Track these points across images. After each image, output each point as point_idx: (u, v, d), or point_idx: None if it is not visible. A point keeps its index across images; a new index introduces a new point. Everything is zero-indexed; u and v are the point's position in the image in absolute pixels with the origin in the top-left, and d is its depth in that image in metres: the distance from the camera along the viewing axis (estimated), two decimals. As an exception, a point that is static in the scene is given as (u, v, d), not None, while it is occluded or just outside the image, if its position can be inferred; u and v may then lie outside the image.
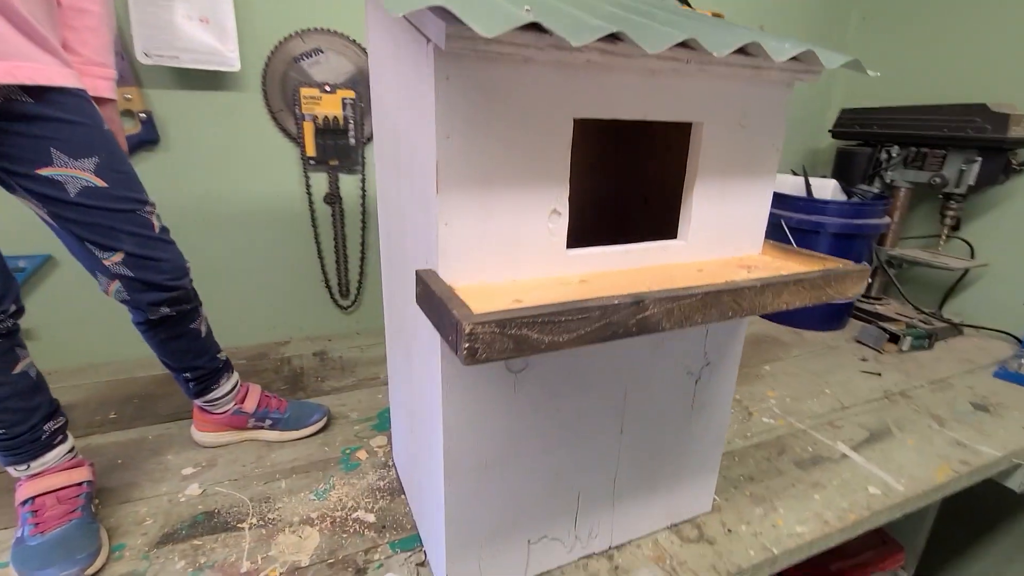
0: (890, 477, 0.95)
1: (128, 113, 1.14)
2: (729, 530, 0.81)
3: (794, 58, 0.55)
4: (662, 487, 0.77)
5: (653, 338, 0.66)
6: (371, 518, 0.81)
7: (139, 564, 0.72)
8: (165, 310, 0.78)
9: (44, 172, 0.64)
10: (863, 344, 1.52)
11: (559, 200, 0.54)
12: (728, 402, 0.77)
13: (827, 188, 1.54)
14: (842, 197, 1.55)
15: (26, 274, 1.16)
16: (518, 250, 0.53)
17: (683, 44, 0.47)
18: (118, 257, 0.71)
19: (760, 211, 0.67)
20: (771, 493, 0.89)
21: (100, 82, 0.71)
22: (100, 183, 0.68)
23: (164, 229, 0.77)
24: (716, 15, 1.62)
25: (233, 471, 0.91)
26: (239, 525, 0.79)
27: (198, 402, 0.94)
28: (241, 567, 0.72)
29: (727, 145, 0.61)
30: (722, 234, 0.65)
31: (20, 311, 0.69)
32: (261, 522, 0.80)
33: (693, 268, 0.61)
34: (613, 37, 0.44)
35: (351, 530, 0.79)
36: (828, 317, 1.62)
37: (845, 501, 0.88)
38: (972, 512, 1.58)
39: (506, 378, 0.59)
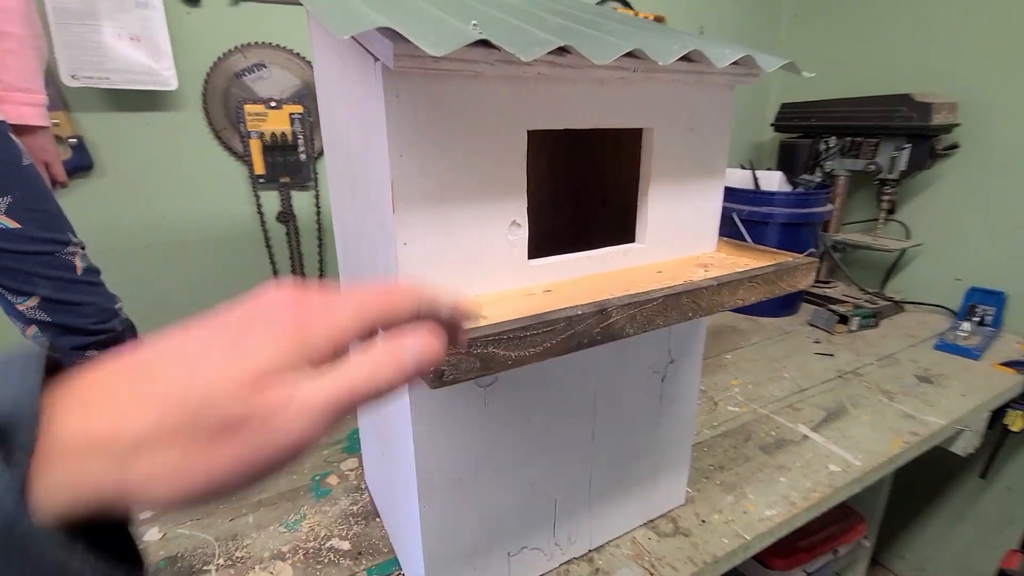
0: (848, 454, 0.99)
1: (57, 139, 1.07)
2: (703, 520, 0.83)
3: (735, 63, 0.58)
4: (636, 486, 0.78)
5: (619, 343, 0.67)
6: (346, 545, 0.79)
7: (98, 620, 0.67)
8: (93, 353, 0.73)
9: None
10: (816, 327, 1.59)
11: (518, 212, 0.54)
12: (694, 395, 0.79)
13: (773, 180, 1.60)
14: (787, 188, 1.62)
15: None
16: (480, 265, 0.53)
17: (630, 54, 0.48)
18: (32, 302, 0.66)
19: (713, 209, 0.69)
20: (740, 480, 0.92)
21: (25, 109, 0.66)
22: (12, 224, 0.63)
23: (90, 270, 0.72)
24: (659, 19, 1.66)
25: (195, 511, 0.87)
26: (204, 568, 0.76)
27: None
28: (211, 611, 0.68)
29: (677, 149, 0.62)
30: (678, 235, 0.66)
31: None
32: (228, 562, 0.77)
33: (653, 270, 0.62)
34: (562, 50, 0.44)
35: (325, 560, 0.76)
36: (782, 303, 1.68)
37: (809, 481, 0.92)
38: (923, 478, 1.68)
39: (475, 393, 0.58)
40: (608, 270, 0.61)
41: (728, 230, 1.67)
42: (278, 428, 0.17)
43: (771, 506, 0.86)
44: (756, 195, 1.60)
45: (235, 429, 0.17)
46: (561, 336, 0.44)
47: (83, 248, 0.72)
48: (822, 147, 1.71)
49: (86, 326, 0.71)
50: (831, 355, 1.41)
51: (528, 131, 0.52)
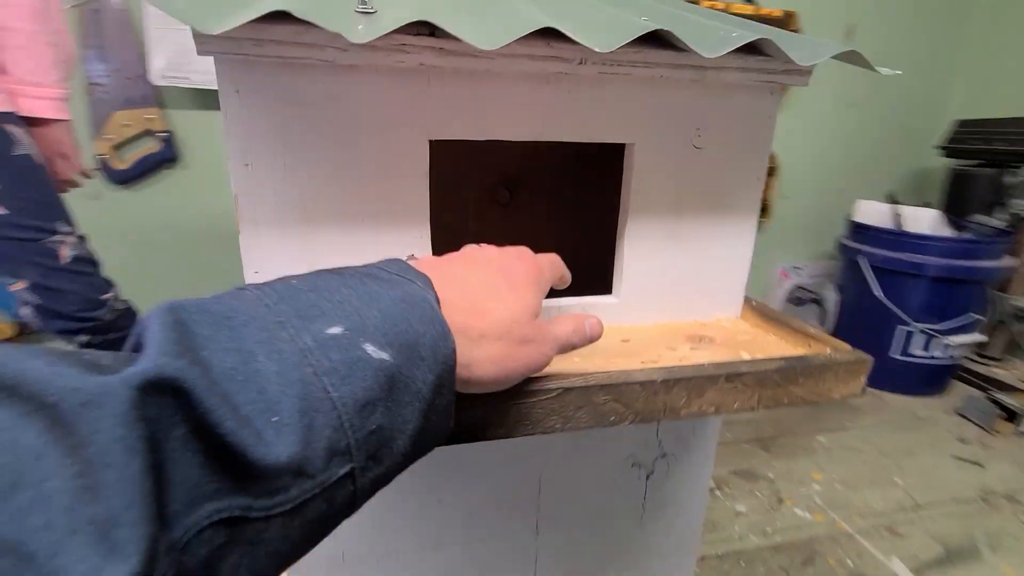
0: (962, 624, 0.69)
1: (148, 133, 1.19)
2: (701, 669, 0.62)
3: (761, 53, 0.39)
4: (608, 601, 0.61)
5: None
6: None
7: None
8: (83, 338, 0.76)
9: None
10: (966, 419, 1.19)
11: (419, 244, 0.42)
12: (700, 501, 0.59)
13: (924, 219, 1.23)
14: (947, 231, 1.24)
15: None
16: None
17: (558, 35, 0.34)
18: (21, 285, 0.70)
19: (735, 261, 0.49)
20: (777, 622, 0.69)
21: (37, 102, 0.70)
22: (0, 210, 0.66)
23: (79, 259, 0.74)
24: (787, 15, 1.39)
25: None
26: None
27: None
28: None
29: (674, 172, 0.45)
30: (671, 291, 0.49)
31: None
32: None
33: (618, 338, 0.46)
34: (435, 30, 0.32)
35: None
36: (924, 377, 1.30)
37: (883, 652, 0.65)
38: None
39: (363, 458, 0.47)
40: (555, 329, 0.46)
41: (852, 279, 1.34)
42: (543, 347, 0.28)
43: (810, 675, 0.62)
44: (899, 237, 1.24)
45: (526, 342, 0.27)
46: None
47: (80, 238, 0.75)
48: (1009, 180, 1.28)
49: (72, 313, 0.74)
50: (979, 464, 1.03)
51: (431, 141, 0.40)
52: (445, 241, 0.74)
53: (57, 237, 0.71)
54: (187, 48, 1.10)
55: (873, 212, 1.32)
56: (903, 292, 1.26)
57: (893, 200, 1.28)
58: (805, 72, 0.41)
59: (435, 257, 0.29)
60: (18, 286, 0.69)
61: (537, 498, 0.53)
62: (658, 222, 0.46)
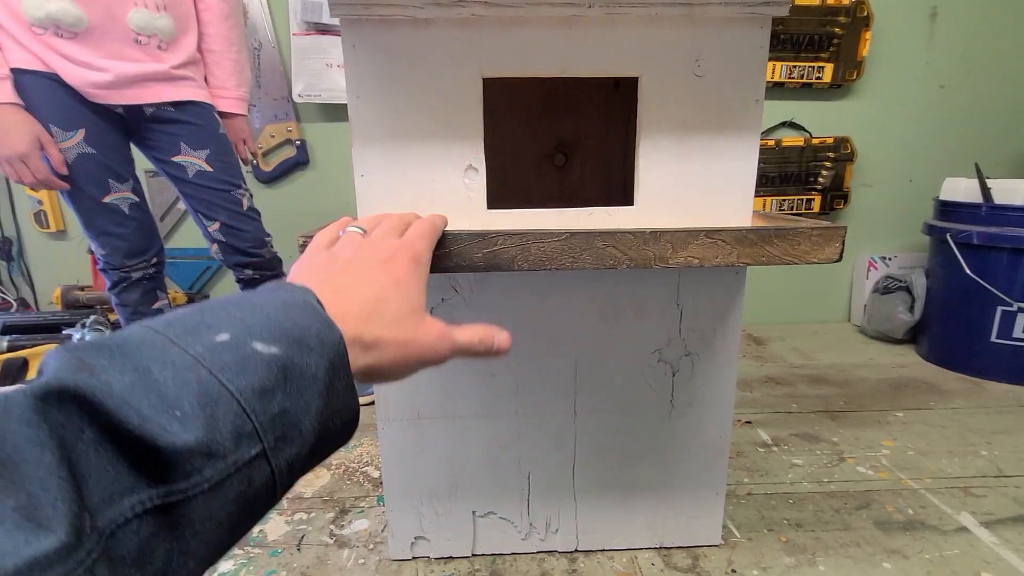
0: (1031, 570, 0.66)
1: (288, 142, 1.49)
2: (733, 571, 0.66)
3: None
4: (643, 497, 0.68)
5: (599, 306, 0.61)
6: (376, 474, 0.89)
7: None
8: (249, 272, 1.01)
9: (176, 159, 0.92)
10: (1084, 407, 1.08)
11: (474, 156, 0.56)
12: (726, 408, 0.65)
13: (1017, 192, 1.16)
14: (1048, 203, 1.15)
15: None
16: (434, 204, 0.57)
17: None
18: (215, 225, 0.96)
19: (741, 174, 0.58)
20: (818, 546, 0.71)
21: (222, 100, 0.98)
22: (208, 168, 0.93)
23: (252, 209, 1.01)
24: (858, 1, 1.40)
25: (308, 471, 1.09)
26: (280, 458, 0.94)
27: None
28: (263, 487, 0.86)
29: (680, 99, 0.55)
30: (687, 200, 0.58)
31: (161, 263, 0.97)
32: (296, 459, 0.94)
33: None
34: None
35: (355, 479, 0.87)
36: (1036, 366, 1.19)
37: (931, 580, 0.65)
38: None
39: (433, 331, 0.61)
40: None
41: (944, 259, 1.27)
42: (435, 342, 0.31)
43: (846, 588, 0.64)
44: (991, 211, 1.18)
45: (414, 341, 0.30)
46: (439, 251, 0.45)
47: (250, 194, 1.02)
48: None
49: (246, 248, 1.02)
50: (1090, 446, 0.94)
51: (486, 78, 0.54)
52: (510, 195, 0.93)
53: (240, 191, 0.98)
54: (320, 72, 1.38)
55: (961, 189, 1.26)
56: (999, 270, 1.18)
57: (980, 172, 1.21)
58: (783, 3, 0.50)
59: (315, 264, 0.33)
60: (214, 226, 0.96)
61: (574, 381, 0.63)
62: (667, 141, 0.56)
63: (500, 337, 0.35)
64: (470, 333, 0.34)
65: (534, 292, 0.61)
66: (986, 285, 1.18)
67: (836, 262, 0.47)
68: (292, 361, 0.22)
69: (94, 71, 0.83)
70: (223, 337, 0.22)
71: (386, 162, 0.56)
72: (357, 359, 0.27)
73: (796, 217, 0.53)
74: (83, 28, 0.81)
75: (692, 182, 0.57)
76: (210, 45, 0.95)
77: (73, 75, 0.82)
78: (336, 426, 0.25)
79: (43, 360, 0.19)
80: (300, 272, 0.32)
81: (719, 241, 0.46)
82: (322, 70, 1.43)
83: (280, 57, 1.43)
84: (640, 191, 0.57)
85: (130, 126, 0.91)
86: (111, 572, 0.16)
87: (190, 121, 0.92)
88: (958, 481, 0.84)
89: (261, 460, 0.21)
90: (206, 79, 0.97)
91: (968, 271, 1.20)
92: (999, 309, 1.19)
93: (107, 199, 0.88)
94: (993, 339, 1.21)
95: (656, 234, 0.46)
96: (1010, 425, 1.02)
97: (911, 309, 1.39)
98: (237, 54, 0.98)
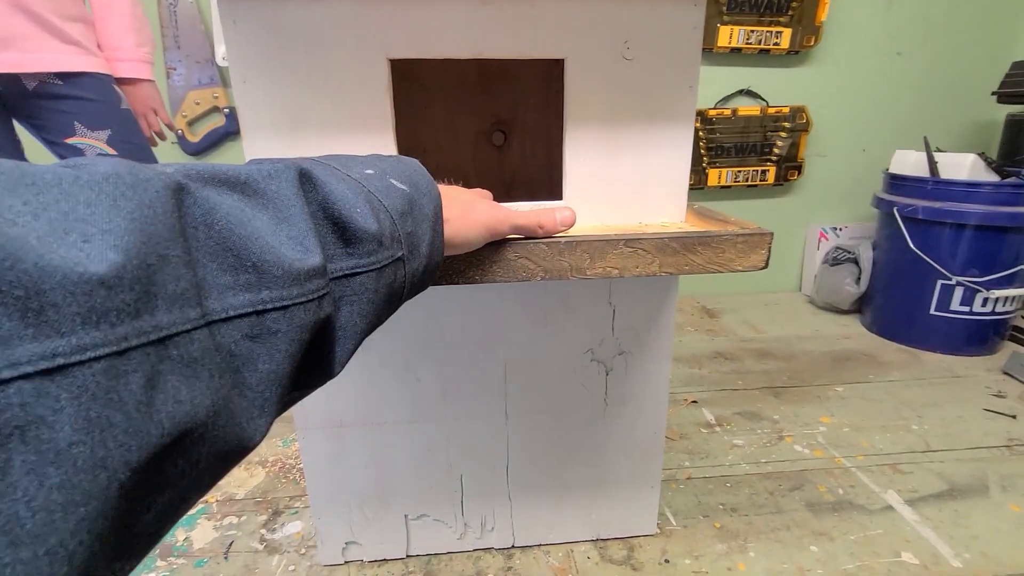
0: (947, 547, 0.69)
1: (216, 109, 1.37)
2: (666, 560, 0.67)
3: None
4: (577, 492, 0.67)
5: (530, 309, 0.58)
6: (313, 471, 0.86)
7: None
8: None
9: (70, 141, 0.81)
10: (1011, 376, 1.13)
11: (384, 150, 0.51)
12: (660, 403, 0.64)
13: (963, 166, 1.17)
14: (990, 177, 1.16)
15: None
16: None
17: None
18: None
19: (673, 167, 0.54)
20: (750, 531, 0.72)
21: (121, 64, 0.86)
22: (111, 152, 0.83)
23: None
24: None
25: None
26: (213, 456, 0.90)
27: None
28: (193, 489, 0.82)
29: (608, 85, 0.51)
30: (617, 196, 0.54)
31: None
32: (230, 457, 0.90)
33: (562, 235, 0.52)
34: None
35: (291, 477, 0.84)
36: (969, 337, 1.23)
37: (854, 562, 0.67)
38: None
39: (350, 337, 0.57)
40: (506, 226, 0.53)
41: (891, 232, 1.29)
42: (500, 226, 0.39)
43: (773, 573, 0.65)
44: (936, 186, 1.18)
45: (482, 222, 0.38)
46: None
47: None
48: (1071, 122, 1.18)
49: None
50: (1012, 416, 0.98)
51: (392, 60, 0.48)
52: (447, 178, 0.86)
53: None
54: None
55: (910, 162, 1.26)
56: (942, 244, 1.20)
57: (928, 146, 1.21)
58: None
59: None
60: None
61: (504, 384, 0.61)
62: (595, 131, 0.52)
63: (563, 211, 0.43)
64: (529, 213, 0.42)
65: (459, 294, 0.57)
66: (928, 259, 1.20)
67: (761, 270, 0.45)
68: (414, 198, 0.30)
69: None
70: (370, 171, 0.29)
71: (283, 156, 0.50)
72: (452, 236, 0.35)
73: (723, 219, 0.50)
74: None
75: (622, 176, 0.53)
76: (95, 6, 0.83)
77: None
78: (434, 262, 0.32)
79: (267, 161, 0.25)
80: None
81: (639, 250, 0.43)
82: (250, 29, 1.30)
83: (199, 14, 1.29)
84: (568, 186, 0.53)
85: (8, 103, 0.80)
86: (331, 307, 0.24)
87: (83, 96, 0.81)
88: (888, 458, 0.87)
89: (400, 263, 0.28)
90: (98, 43, 0.85)
91: (912, 246, 1.21)
92: (939, 283, 1.21)
93: None
94: (932, 311, 1.24)
95: (572, 244, 0.42)
96: (940, 397, 1.06)
97: (858, 281, 1.41)
98: (132, 6, 0.86)
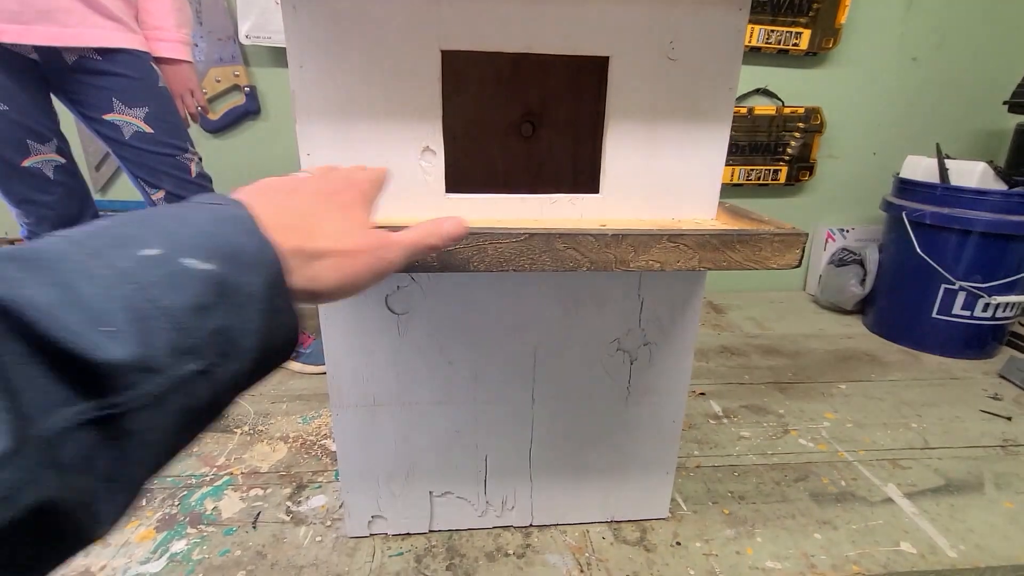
0: (943, 538, 0.72)
1: (236, 88, 1.37)
2: (678, 543, 0.70)
3: None
4: (595, 476, 0.70)
5: (561, 298, 0.60)
6: (333, 447, 0.88)
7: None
8: None
9: (108, 117, 0.82)
10: (1006, 380, 1.16)
11: (431, 137, 0.52)
12: (680, 394, 0.67)
13: (973, 173, 1.19)
14: (999, 186, 1.19)
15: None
16: (387, 187, 0.53)
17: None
18: (160, 194, 0.88)
19: (708, 166, 0.56)
20: (757, 517, 0.75)
21: (161, 44, 0.87)
22: (148, 129, 0.84)
23: (202, 176, 0.93)
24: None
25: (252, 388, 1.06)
26: (235, 430, 0.93)
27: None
28: (217, 460, 0.84)
29: (651, 83, 0.52)
30: (653, 191, 0.56)
31: None
32: (251, 431, 0.92)
33: (597, 225, 0.54)
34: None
35: (313, 453, 0.87)
36: (969, 341, 1.26)
37: (856, 550, 0.70)
38: None
39: (388, 319, 0.59)
40: (547, 217, 0.55)
41: (898, 236, 1.31)
42: (384, 252, 0.30)
43: (779, 558, 0.68)
44: (945, 192, 1.21)
45: (362, 251, 0.29)
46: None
47: (199, 158, 0.93)
48: (1080, 134, 1.20)
49: None
50: (1007, 418, 1.02)
51: (444, 51, 0.50)
52: (474, 168, 0.88)
53: (188, 155, 0.89)
54: (269, 11, 1.26)
55: (921, 168, 1.28)
56: (947, 250, 1.22)
57: (940, 153, 1.23)
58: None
59: (259, 187, 0.30)
60: (158, 195, 0.88)
61: (533, 370, 0.63)
62: (636, 128, 0.54)
63: (449, 223, 0.34)
64: (415, 231, 0.33)
65: (494, 281, 0.59)
66: (933, 264, 1.23)
67: (795, 268, 0.47)
68: (228, 278, 0.22)
69: None
70: (151, 251, 0.21)
71: (334, 140, 0.51)
72: (299, 270, 0.26)
73: (758, 218, 0.52)
74: None
75: (659, 172, 0.55)
76: None
77: None
78: (278, 343, 0.25)
79: None
80: (238, 193, 0.29)
81: (681, 245, 0.45)
82: (271, 8, 1.30)
83: (223, -9, 1.29)
84: (606, 179, 0.55)
85: (48, 76, 0.80)
86: (58, 478, 0.17)
87: (122, 73, 0.81)
88: (888, 453, 0.90)
89: (203, 376, 0.21)
90: (138, 19, 0.85)
91: (919, 250, 1.24)
92: (942, 287, 1.24)
93: (27, 163, 0.79)
94: (934, 315, 1.27)
95: (618, 237, 0.44)
96: (939, 397, 1.09)
97: (862, 282, 1.44)
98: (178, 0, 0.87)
